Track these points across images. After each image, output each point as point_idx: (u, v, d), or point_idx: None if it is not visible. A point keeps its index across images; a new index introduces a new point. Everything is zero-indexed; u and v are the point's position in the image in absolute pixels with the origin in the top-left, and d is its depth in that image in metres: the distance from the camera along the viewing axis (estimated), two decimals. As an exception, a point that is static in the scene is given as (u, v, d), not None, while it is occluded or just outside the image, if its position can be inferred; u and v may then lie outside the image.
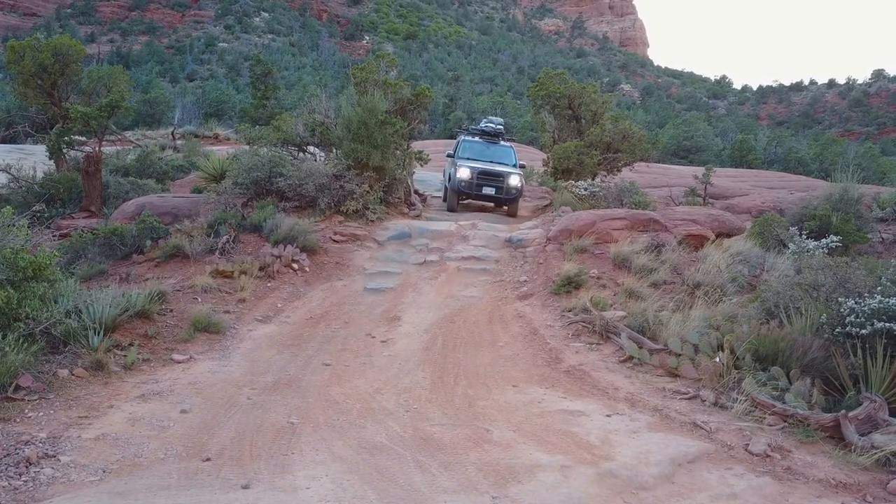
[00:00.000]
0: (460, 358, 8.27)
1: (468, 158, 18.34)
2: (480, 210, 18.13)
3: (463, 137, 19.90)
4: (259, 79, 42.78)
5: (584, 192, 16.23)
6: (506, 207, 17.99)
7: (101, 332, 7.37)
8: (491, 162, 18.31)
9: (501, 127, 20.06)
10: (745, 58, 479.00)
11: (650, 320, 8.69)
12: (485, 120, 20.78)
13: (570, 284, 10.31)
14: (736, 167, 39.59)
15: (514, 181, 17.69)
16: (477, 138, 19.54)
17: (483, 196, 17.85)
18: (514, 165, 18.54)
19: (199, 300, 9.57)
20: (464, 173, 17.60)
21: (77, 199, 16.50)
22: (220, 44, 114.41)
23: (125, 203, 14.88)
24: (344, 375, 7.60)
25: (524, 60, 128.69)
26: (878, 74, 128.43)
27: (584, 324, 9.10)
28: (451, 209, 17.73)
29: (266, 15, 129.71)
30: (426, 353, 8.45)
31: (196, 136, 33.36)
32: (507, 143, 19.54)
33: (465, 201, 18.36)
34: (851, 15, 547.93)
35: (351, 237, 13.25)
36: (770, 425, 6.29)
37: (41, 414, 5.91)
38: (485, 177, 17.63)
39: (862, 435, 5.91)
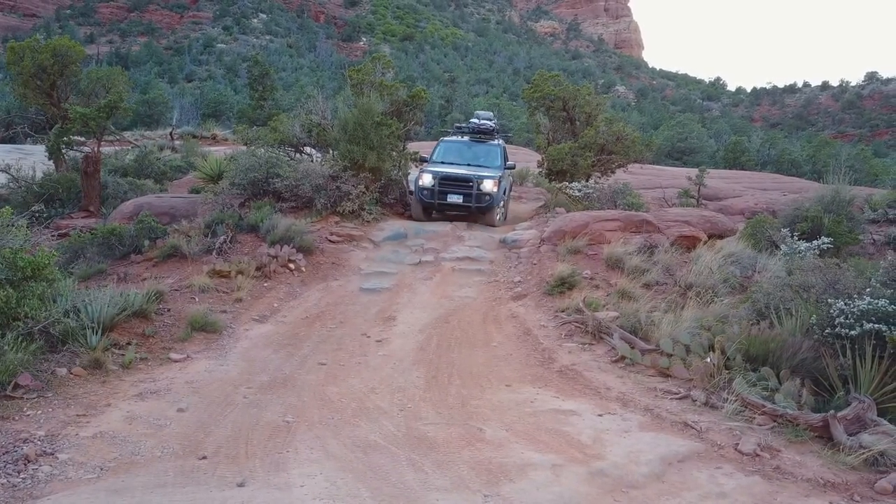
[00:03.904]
0: (454, 358, 8.34)
1: (441, 162, 16.44)
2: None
3: (442, 138, 18.20)
4: (257, 80, 42.81)
5: (577, 194, 16.24)
6: (484, 216, 15.49)
7: (100, 332, 7.42)
8: (468, 165, 16.20)
9: (489, 123, 17.92)
10: (739, 60, 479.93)
11: (642, 321, 8.75)
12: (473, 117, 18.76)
13: (564, 285, 10.37)
14: (729, 169, 39.56)
15: (488, 186, 15.22)
16: (462, 137, 17.66)
17: (449, 205, 15.44)
18: (499, 167, 16.29)
19: (197, 300, 9.62)
20: (425, 179, 15.42)
21: (76, 199, 16.52)
22: (219, 45, 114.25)
23: (123, 203, 14.91)
24: (339, 375, 7.66)
25: (520, 62, 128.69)
26: (872, 77, 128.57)
27: (577, 324, 9.17)
28: (416, 220, 15.49)
29: (264, 16, 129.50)
30: (421, 352, 8.51)
31: (194, 137, 33.41)
32: (496, 143, 17.40)
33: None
34: (845, 17, 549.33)
35: (347, 237, 13.31)
36: (760, 425, 6.35)
37: (40, 412, 5.97)
38: (449, 183, 15.30)
39: (850, 435, 5.97)
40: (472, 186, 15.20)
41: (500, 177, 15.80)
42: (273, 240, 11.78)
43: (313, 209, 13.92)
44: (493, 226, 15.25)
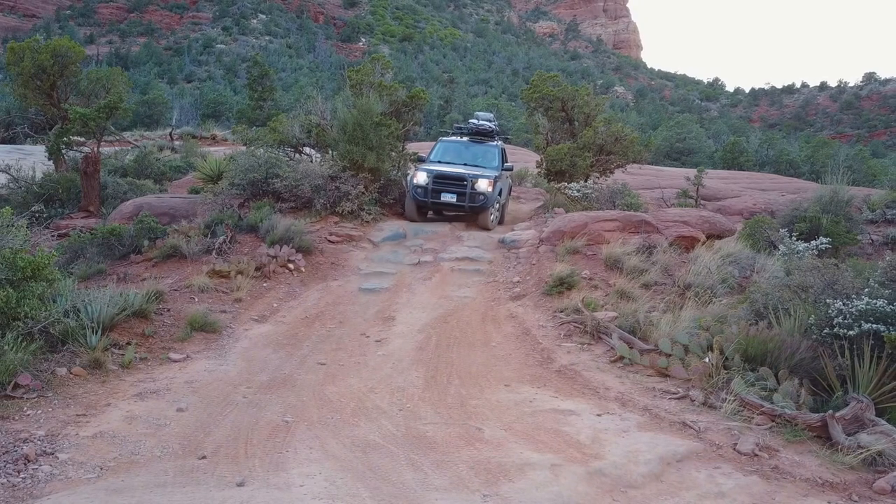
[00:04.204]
0: (453, 357, 8.35)
1: (438, 161, 16.30)
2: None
3: (441, 138, 18.09)
4: (256, 80, 42.83)
5: (576, 194, 16.27)
6: (478, 216, 15.18)
7: (99, 331, 7.44)
8: (465, 165, 15.96)
9: (489, 124, 17.63)
10: (737, 60, 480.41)
11: (641, 321, 8.78)
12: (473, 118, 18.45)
13: (563, 285, 10.39)
14: (728, 169, 39.72)
15: (483, 186, 14.95)
16: (461, 138, 17.43)
17: (442, 204, 15.21)
18: (496, 168, 16.03)
19: (196, 300, 9.64)
20: (419, 177, 15.21)
21: (76, 199, 16.53)
22: (218, 45, 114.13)
23: (123, 203, 14.93)
24: (338, 374, 7.67)
25: (519, 63, 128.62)
26: (870, 77, 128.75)
27: (575, 324, 9.19)
28: (410, 220, 15.33)
29: (263, 17, 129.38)
30: (420, 352, 8.53)
31: (194, 137, 33.43)
32: (495, 144, 17.12)
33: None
34: (844, 18, 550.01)
35: (346, 238, 13.35)
36: (758, 425, 6.36)
37: (40, 412, 5.98)
38: (443, 181, 15.05)
39: (849, 435, 5.99)
40: (466, 185, 14.97)
41: (496, 177, 15.53)
42: (272, 240, 11.81)
43: (312, 209, 13.95)
44: (487, 228, 14.97)
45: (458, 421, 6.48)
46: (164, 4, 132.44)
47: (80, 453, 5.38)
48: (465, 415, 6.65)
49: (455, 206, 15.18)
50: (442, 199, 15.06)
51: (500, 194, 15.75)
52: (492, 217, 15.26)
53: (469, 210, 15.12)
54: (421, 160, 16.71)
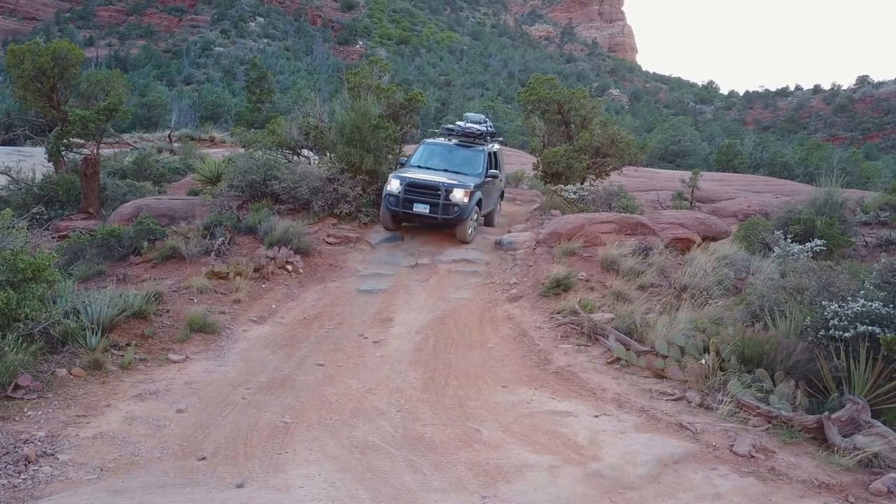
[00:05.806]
0: (451, 359, 8.39)
1: (417, 166, 14.91)
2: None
3: (425, 139, 16.77)
4: (254, 83, 42.76)
5: (573, 196, 16.26)
6: (454, 229, 14.00)
7: (99, 333, 7.47)
8: (446, 171, 14.57)
9: (477, 126, 16.21)
10: (732, 63, 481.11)
11: (637, 322, 8.81)
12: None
13: (559, 287, 10.43)
14: (722, 171, 39.72)
15: (458, 196, 13.53)
16: (448, 140, 16.02)
17: (414, 215, 13.78)
18: (478, 175, 14.57)
19: (195, 301, 9.66)
20: (392, 185, 13.80)
21: (75, 200, 16.54)
22: (217, 48, 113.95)
23: (123, 205, 14.95)
24: (337, 375, 7.70)
25: (515, 65, 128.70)
26: (863, 80, 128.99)
27: (572, 326, 9.22)
28: (385, 228, 14.32)
29: (261, 20, 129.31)
30: (417, 353, 8.56)
31: (192, 139, 33.32)
32: (482, 148, 15.56)
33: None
34: (837, 21, 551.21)
35: (344, 239, 13.37)
36: (755, 426, 6.40)
37: (40, 413, 6.00)
38: (416, 190, 13.63)
39: (845, 436, 6.02)
40: (440, 195, 13.55)
41: (477, 185, 14.22)
42: (271, 241, 11.83)
43: (311, 211, 13.98)
44: (465, 242, 13.96)
45: (456, 422, 6.51)
46: (162, 7, 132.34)
47: (81, 454, 5.40)
48: (463, 416, 6.68)
49: (428, 217, 13.76)
50: (414, 209, 13.70)
51: (479, 204, 14.34)
52: (470, 230, 14.05)
53: (442, 222, 13.79)
54: (401, 164, 15.54)
